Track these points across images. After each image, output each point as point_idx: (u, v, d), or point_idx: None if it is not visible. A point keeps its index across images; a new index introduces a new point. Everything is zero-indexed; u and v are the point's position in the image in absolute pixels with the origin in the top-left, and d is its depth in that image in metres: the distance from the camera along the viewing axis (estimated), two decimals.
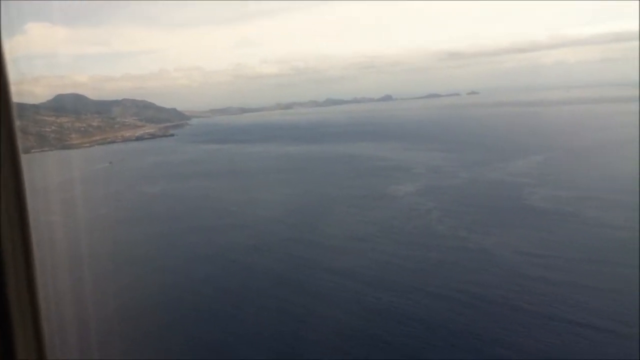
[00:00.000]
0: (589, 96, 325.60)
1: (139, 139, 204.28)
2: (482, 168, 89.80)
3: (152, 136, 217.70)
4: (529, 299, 37.37)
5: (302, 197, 75.78)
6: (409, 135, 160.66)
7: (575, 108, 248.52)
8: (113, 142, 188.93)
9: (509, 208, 61.63)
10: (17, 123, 2.52)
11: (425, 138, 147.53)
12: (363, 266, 45.57)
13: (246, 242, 55.49)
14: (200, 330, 37.85)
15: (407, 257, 47.00)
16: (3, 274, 2.46)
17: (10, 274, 2.49)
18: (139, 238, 59.62)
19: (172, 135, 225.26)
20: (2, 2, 2.51)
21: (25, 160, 2.53)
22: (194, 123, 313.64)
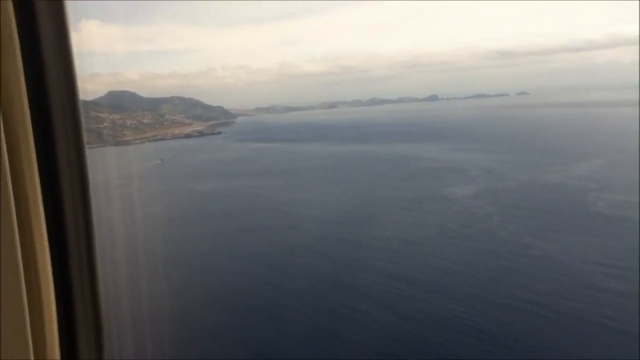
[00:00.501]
0: None
1: (187, 136, 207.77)
2: (540, 171, 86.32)
3: (200, 134, 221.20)
4: (603, 312, 35.13)
5: (353, 198, 74.61)
6: (457, 135, 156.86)
7: (629, 110, 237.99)
8: (163, 139, 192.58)
9: (575, 214, 58.71)
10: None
11: (475, 139, 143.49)
12: (422, 271, 44.08)
13: (300, 242, 54.86)
14: (254, 330, 37.47)
15: (468, 264, 45.20)
16: (68, 267, 2.48)
17: (74, 267, 2.50)
18: (194, 236, 59.87)
19: (220, 133, 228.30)
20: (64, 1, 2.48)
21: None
22: (240, 121, 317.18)
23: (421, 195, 72.93)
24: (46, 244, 2.30)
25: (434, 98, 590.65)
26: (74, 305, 2.52)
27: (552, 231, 52.89)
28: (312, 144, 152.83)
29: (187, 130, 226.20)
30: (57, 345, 2.36)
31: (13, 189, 2.09)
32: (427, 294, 39.55)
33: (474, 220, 58.16)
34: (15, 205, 2.10)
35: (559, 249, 47.35)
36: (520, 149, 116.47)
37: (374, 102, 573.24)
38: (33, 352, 2.18)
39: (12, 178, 2.10)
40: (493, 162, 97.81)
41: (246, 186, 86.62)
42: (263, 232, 59.45)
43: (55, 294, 2.36)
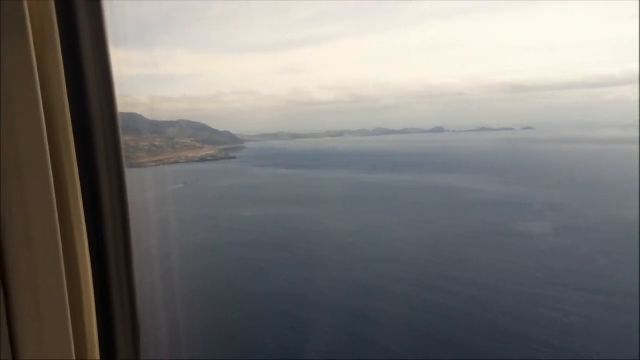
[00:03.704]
0: None
1: (201, 160, 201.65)
2: (606, 207, 79.47)
3: (214, 158, 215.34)
4: None
5: (418, 232, 67.23)
6: (486, 168, 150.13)
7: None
8: (177, 162, 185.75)
9: None
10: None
11: (506, 172, 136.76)
12: (562, 334, 36.06)
13: (388, 286, 47.01)
14: None
15: (620, 323, 37.33)
16: (107, 271, 2.51)
17: (113, 271, 2.54)
18: (252, 270, 52.31)
19: (234, 157, 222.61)
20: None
21: None
22: (250, 147, 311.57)
23: (495, 231, 65.59)
24: (87, 248, 2.32)
25: (439, 130, 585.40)
26: (112, 308, 2.53)
27: None
28: (338, 172, 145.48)
29: (200, 154, 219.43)
30: (97, 345, 2.40)
31: (56, 196, 2.10)
32: None
33: (580, 262, 50.73)
34: (59, 212, 2.12)
35: None
36: (562, 184, 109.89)
37: (378, 132, 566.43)
38: (75, 352, 2.21)
39: (54, 181, 2.09)
40: (548, 197, 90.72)
41: (292, 215, 78.96)
42: (337, 269, 51.73)
43: (95, 296, 2.40)
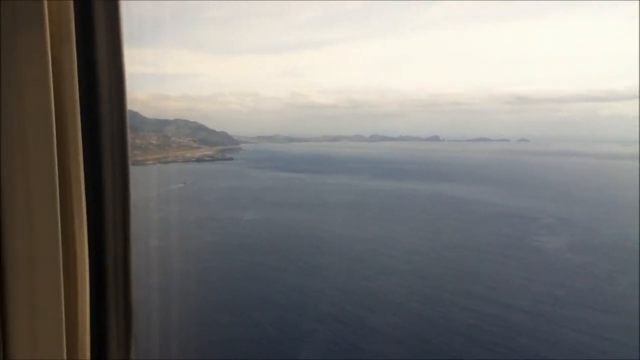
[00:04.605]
0: None
1: (199, 160, 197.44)
2: (618, 224, 77.51)
3: (212, 159, 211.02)
4: None
5: (426, 241, 65.01)
6: (488, 178, 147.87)
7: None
8: (174, 161, 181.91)
9: None
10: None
11: (508, 183, 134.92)
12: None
13: (397, 299, 44.74)
14: None
15: None
16: (104, 271, 2.46)
17: (110, 272, 2.49)
18: (256, 273, 49.83)
19: (231, 159, 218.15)
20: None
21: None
22: (246, 148, 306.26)
23: (507, 244, 63.49)
24: (86, 246, 2.29)
25: (435, 138, 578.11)
26: (106, 308, 2.48)
27: None
28: (341, 177, 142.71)
29: (198, 154, 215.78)
30: (88, 346, 2.37)
31: (60, 191, 2.10)
32: None
33: (602, 282, 48.66)
34: (61, 207, 2.12)
35: None
36: (568, 198, 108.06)
37: (374, 138, 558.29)
38: (66, 352, 2.19)
39: (59, 176, 2.09)
40: (555, 211, 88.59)
41: (295, 219, 76.49)
42: (344, 277, 49.43)
43: (90, 296, 2.36)
